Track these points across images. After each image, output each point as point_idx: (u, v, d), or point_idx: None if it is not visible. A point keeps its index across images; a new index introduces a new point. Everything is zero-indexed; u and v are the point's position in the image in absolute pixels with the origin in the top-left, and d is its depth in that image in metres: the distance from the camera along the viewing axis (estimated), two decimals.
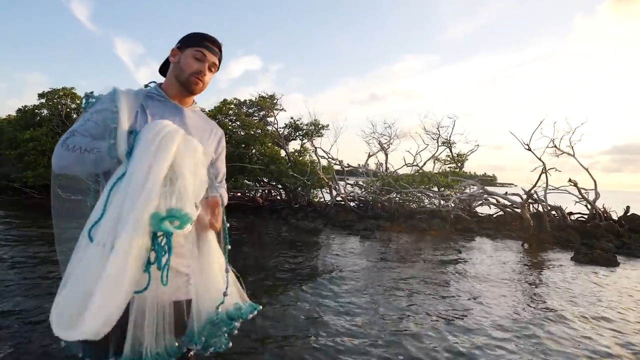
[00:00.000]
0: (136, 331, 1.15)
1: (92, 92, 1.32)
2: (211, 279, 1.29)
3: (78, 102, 15.30)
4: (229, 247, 1.34)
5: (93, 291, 1.03)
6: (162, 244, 1.11)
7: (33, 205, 11.77)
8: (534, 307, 4.52)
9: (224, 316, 1.28)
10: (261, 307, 1.36)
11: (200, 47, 1.38)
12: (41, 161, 13.11)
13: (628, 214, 11.80)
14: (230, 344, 1.31)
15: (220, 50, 1.44)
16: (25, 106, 15.90)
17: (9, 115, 17.36)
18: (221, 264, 1.32)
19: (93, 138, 1.23)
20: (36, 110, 15.51)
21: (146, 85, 1.43)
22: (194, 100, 1.47)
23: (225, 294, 1.28)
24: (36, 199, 12.72)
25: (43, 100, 15.39)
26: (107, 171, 1.21)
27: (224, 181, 1.54)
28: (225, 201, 1.44)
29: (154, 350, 1.17)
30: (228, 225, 1.35)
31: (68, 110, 15.25)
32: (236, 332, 1.31)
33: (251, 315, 1.32)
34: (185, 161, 1.16)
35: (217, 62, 1.43)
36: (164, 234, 1.10)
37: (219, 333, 1.28)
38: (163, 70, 1.50)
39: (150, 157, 1.11)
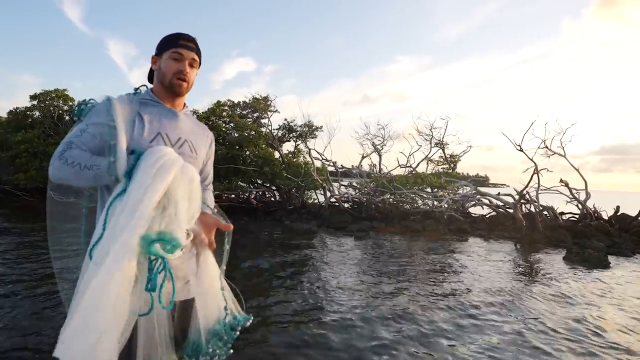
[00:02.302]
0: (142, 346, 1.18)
1: (84, 100, 1.32)
2: (212, 295, 1.33)
3: (70, 104, 15.19)
4: (224, 267, 1.41)
5: (77, 308, 1.03)
6: (158, 268, 1.13)
7: (24, 207, 11.67)
8: (524, 306, 4.57)
9: (228, 328, 1.33)
10: (252, 319, 1.40)
11: (175, 47, 1.39)
12: (33, 163, 12.99)
13: (618, 214, 11.94)
14: (231, 351, 1.34)
15: (197, 45, 1.44)
16: (17, 108, 15.75)
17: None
18: (220, 281, 1.36)
19: (91, 151, 1.23)
20: (28, 112, 15.37)
21: (136, 89, 1.44)
22: (185, 104, 1.49)
23: (226, 309, 1.34)
24: (28, 202, 12.61)
25: (35, 102, 15.26)
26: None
27: (211, 184, 1.57)
28: (212, 203, 1.48)
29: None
30: (228, 247, 1.41)
31: (60, 112, 15.12)
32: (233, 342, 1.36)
33: (247, 324, 1.38)
34: (180, 188, 1.20)
35: (196, 57, 1.43)
36: (159, 258, 1.12)
37: (221, 344, 1.32)
38: (151, 78, 1.51)
39: (148, 182, 1.13)
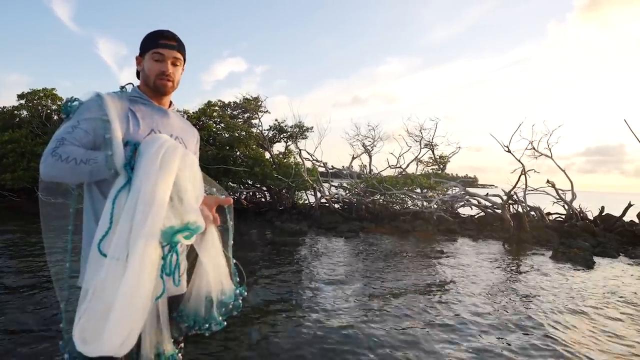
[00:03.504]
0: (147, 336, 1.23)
1: (72, 97, 1.32)
2: (219, 267, 1.39)
3: (59, 103, 15.02)
4: (232, 242, 1.47)
5: (112, 306, 1.07)
6: (170, 253, 1.18)
7: (10, 207, 11.53)
8: (514, 305, 4.66)
9: (233, 297, 1.40)
10: (246, 292, 1.48)
11: (156, 47, 1.38)
12: (20, 164, 12.80)
13: (603, 214, 12.16)
14: (225, 323, 1.40)
15: (179, 42, 1.42)
16: (4, 107, 15.55)
17: None
18: (224, 255, 1.42)
19: (84, 147, 1.22)
20: (15, 112, 15.18)
21: (122, 87, 1.45)
22: (171, 102, 1.52)
23: (240, 288, 1.42)
24: (15, 202, 12.45)
25: (22, 101, 15.06)
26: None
27: None
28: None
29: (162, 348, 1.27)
30: (232, 222, 1.46)
31: (48, 111, 14.95)
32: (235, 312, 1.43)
33: (245, 294, 1.46)
34: (186, 175, 1.23)
35: (178, 56, 1.41)
36: (170, 244, 1.16)
37: (226, 312, 1.39)
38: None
39: (155, 173, 1.15)
